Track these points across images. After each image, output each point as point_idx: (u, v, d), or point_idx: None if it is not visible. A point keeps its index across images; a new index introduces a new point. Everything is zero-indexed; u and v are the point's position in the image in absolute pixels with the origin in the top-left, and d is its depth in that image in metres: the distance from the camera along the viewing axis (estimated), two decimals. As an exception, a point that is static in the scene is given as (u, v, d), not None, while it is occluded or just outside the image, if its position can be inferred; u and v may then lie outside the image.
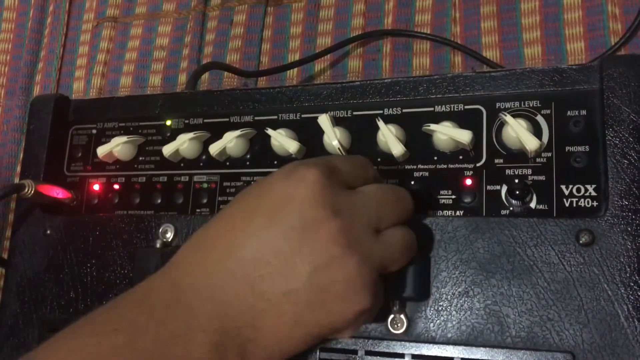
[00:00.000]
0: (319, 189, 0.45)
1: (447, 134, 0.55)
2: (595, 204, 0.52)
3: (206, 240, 0.48)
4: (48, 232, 0.66)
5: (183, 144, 0.64)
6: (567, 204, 0.52)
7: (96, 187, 0.68)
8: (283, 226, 0.44)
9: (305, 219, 0.44)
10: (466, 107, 0.57)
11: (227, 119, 0.65)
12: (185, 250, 0.49)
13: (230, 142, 0.62)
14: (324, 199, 0.45)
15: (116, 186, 0.67)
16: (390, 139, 0.57)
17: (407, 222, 0.50)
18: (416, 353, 0.52)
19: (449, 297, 0.52)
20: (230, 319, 0.44)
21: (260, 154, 0.63)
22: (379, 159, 0.59)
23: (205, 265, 0.46)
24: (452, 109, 0.58)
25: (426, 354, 0.52)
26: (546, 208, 0.53)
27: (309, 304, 0.44)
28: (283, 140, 0.60)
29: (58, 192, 0.66)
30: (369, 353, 0.53)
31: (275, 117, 0.63)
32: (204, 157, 0.65)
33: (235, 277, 0.45)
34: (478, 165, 0.56)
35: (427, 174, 0.57)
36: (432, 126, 0.56)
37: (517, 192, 0.52)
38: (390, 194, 0.49)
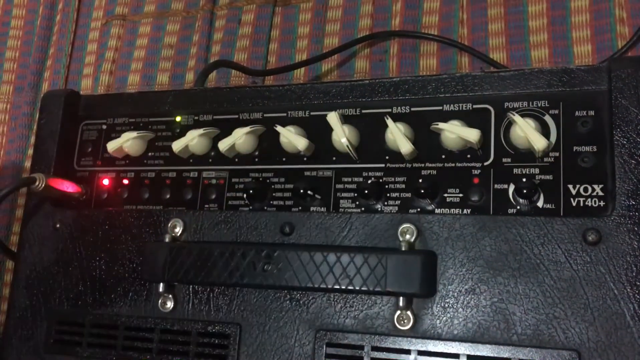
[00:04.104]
0: None
1: (455, 132, 0.56)
2: (602, 203, 0.52)
3: None
4: (58, 226, 0.66)
5: (192, 140, 0.64)
6: (574, 204, 0.53)
7: (106, 181, 0.68)
8: None
9: None
10: (474, 106, 0.58)
11: (237, 116, 0.66)
12: None
13: (240, 138, 0.63)
14: None
15: (125, 181, 0.68)
16: (398, 137, 0.57)
17: None
18: (422, 349, 0.52)
19: (455, 294, 0.52)
20: None
21: (269, 150, 0.63)
22: (387, 157, 0.59)
23: None
24: (460, 108, 0.58)
25: (432, 350, 0.52)
26: (553, 207, 0.53)
27: None
28: (292, 137, 0.60)
29: (68, 186, 0.66)
30: (375, 349, 0.53)
31: (285, 114, 0.64)
32: (213, 153, 0.65)
33: None
34: (486, 164, 0.56)
35: (435, 172, 0.57)
36: (441, 125, 0.57)
37: (525, 191, 0.53)
38: None
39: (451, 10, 0.85)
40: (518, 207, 0.54)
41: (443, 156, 0.58)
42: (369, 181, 0.59)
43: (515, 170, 0.55)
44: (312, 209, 0.60)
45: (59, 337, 0.64)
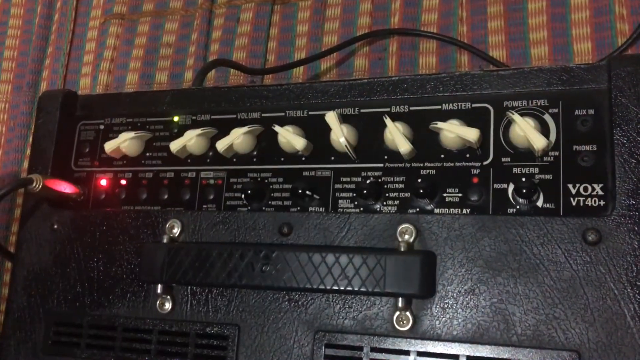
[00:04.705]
0: None
1: (454, 132, 0.55)
2: (602, 203, 0.52)
3: None
4: (55, 226, 0.66)
5: (190, 140, 0.64)
6: (574, 203, 0.53)
7: (103, 182, 0.68)
8: None
9: None
10: (474, 105, 0.57)
11: (235, 116, 0.65)
12: None
13: (238, 138, 0.62)
14: None
15: (123, 181, 0.68)
16: (397, 136, 0.57)
17: None
18: (421, 350, 0.52)
19: (454, 294, 0.52)
20: None
21: (267, 150, 0.63)
22: (385, 157, 0.59)
23: None
24: (459, 107, 0.58)
25: (432, 351, 0.52)
26: (553, 207, 0.53)
27: None
28: (290, 137, 0.60)
29: (65, 187, 0.66)
30: (374, 350, 0.53)
31: (283, 114, 0.64)
32: (211, 153, 0.65)
33: None
34: (485, 163, 0.56)
35: (434, 172, 0.57)
36: (440, 124, 0.56)
37: (524, 191, 0.53)
38: None
39: (450, 8, 0.84)
40: (517, 207, 0.54)
41: (442, 156, 0.57)
42: (368, 181, 0.58)
43: (514, 170, 0.55)
44: (310, 209, 0.60)
45: (56, 338, 0.64)
